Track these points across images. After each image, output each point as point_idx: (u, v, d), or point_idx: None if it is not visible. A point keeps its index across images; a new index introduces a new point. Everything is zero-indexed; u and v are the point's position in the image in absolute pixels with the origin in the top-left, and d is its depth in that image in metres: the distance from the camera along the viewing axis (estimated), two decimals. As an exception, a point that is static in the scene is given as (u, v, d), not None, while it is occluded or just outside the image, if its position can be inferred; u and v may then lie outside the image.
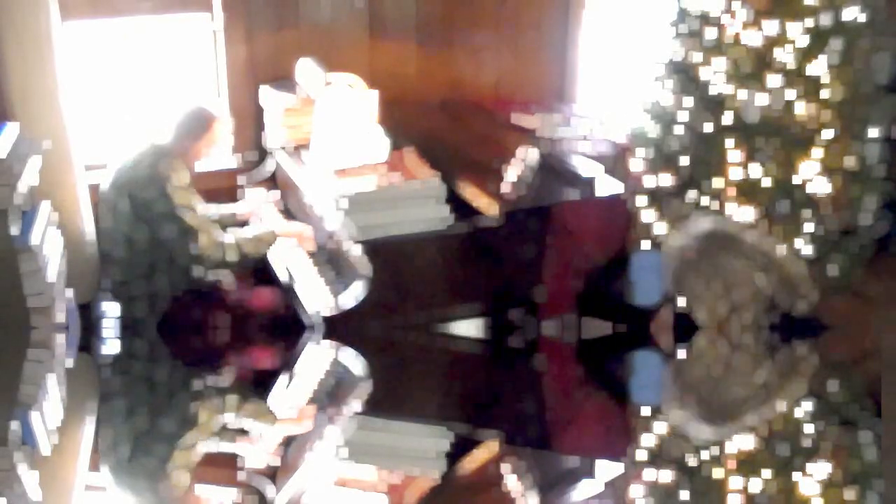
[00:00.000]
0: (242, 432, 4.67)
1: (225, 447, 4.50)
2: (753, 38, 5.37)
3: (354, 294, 5.55)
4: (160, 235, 5.67)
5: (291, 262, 5.79)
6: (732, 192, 5.45)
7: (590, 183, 5.67)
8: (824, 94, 5.36)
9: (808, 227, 5.42)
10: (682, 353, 5.50)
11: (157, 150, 5.73)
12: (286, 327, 5.70)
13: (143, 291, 5.72)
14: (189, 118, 5.81)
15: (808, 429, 4.65)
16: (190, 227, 5.65)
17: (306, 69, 6.18)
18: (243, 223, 5.99)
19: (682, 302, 5.54)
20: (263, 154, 6.35)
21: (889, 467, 4.12)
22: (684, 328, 5.53)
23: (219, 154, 5.99)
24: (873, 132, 5.42)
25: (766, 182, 5.41)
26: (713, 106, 5.46)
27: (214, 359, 5.59)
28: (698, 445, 4.50)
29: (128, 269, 5.73)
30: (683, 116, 5.52)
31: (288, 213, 6.07)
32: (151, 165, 5.69)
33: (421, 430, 4.78)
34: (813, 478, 4.10)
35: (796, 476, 4.11)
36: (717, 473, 4.18)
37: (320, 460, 4.37)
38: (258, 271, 5.87)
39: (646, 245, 5.61)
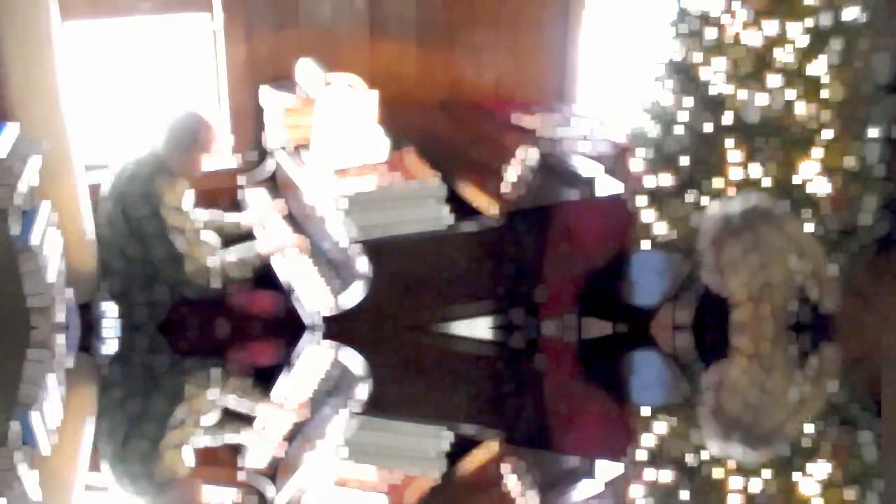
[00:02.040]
0: (242, 432, 4.67)
1: (224, 447, 4.50)
2: (753, 38, 5.37)
3: (354, 294, 5.55)
4: (150, 254, 5.65)
5: (291, 263, 5.79)
6: (732, 192, 5.44)
7: (590, 183, 5.67)
8: (824, 94, 5.36)
9: (809, 227, 5.41)
10: (691, 353, 5.50)
11: (154, 163, 5.66)
12: (286, 327, 5.70)
13: (143, 299, 5.70)
14: (182, 129, 5.72)
15: (808, 429, 4.65)
16: (178, 252, 5.62)
17: (306, 69, 6.18)
18: (247, 234, 5.98)
19: (711, 275, 5.44)
20: (263, 154, 6.35)
21: (889, 467, 4.12)
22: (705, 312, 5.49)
23: (216, 159, 5.97)
24: (873, 132, 5.41)
25: (766, 182, 5.41)
26: (713, 106, 5.46)
27: (214, 359, 5.59)
28: (698, 445, 4.50)
29: (125, 280, 5.71)
30: (683, 116, 5.52)
31: (290, 216, 6.07)
32: (147, 181, 5.62)
33: (421, 430, 4.78)
34: (812, 478, 4.10)
35: (796, 476, 4.11)
36: (718, 473, 4.18)
37: (320, 460, 4.37)
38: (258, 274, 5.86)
39: (646, 245, 5.61)
